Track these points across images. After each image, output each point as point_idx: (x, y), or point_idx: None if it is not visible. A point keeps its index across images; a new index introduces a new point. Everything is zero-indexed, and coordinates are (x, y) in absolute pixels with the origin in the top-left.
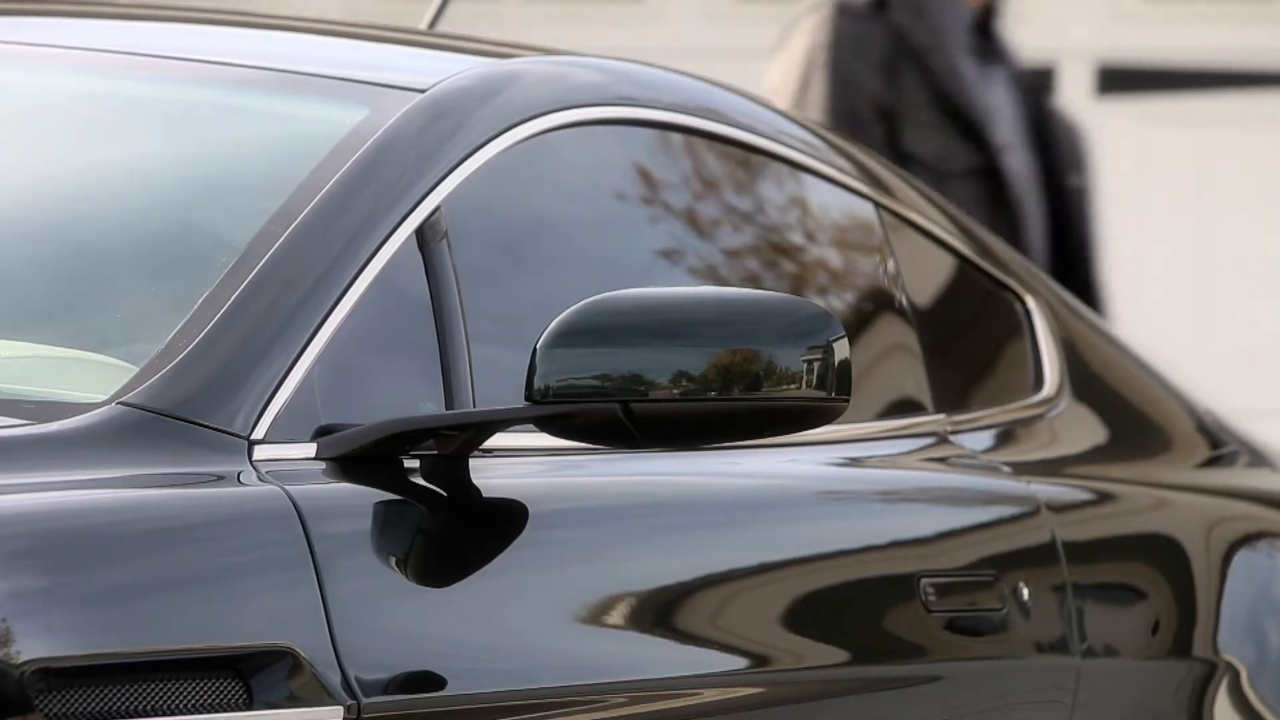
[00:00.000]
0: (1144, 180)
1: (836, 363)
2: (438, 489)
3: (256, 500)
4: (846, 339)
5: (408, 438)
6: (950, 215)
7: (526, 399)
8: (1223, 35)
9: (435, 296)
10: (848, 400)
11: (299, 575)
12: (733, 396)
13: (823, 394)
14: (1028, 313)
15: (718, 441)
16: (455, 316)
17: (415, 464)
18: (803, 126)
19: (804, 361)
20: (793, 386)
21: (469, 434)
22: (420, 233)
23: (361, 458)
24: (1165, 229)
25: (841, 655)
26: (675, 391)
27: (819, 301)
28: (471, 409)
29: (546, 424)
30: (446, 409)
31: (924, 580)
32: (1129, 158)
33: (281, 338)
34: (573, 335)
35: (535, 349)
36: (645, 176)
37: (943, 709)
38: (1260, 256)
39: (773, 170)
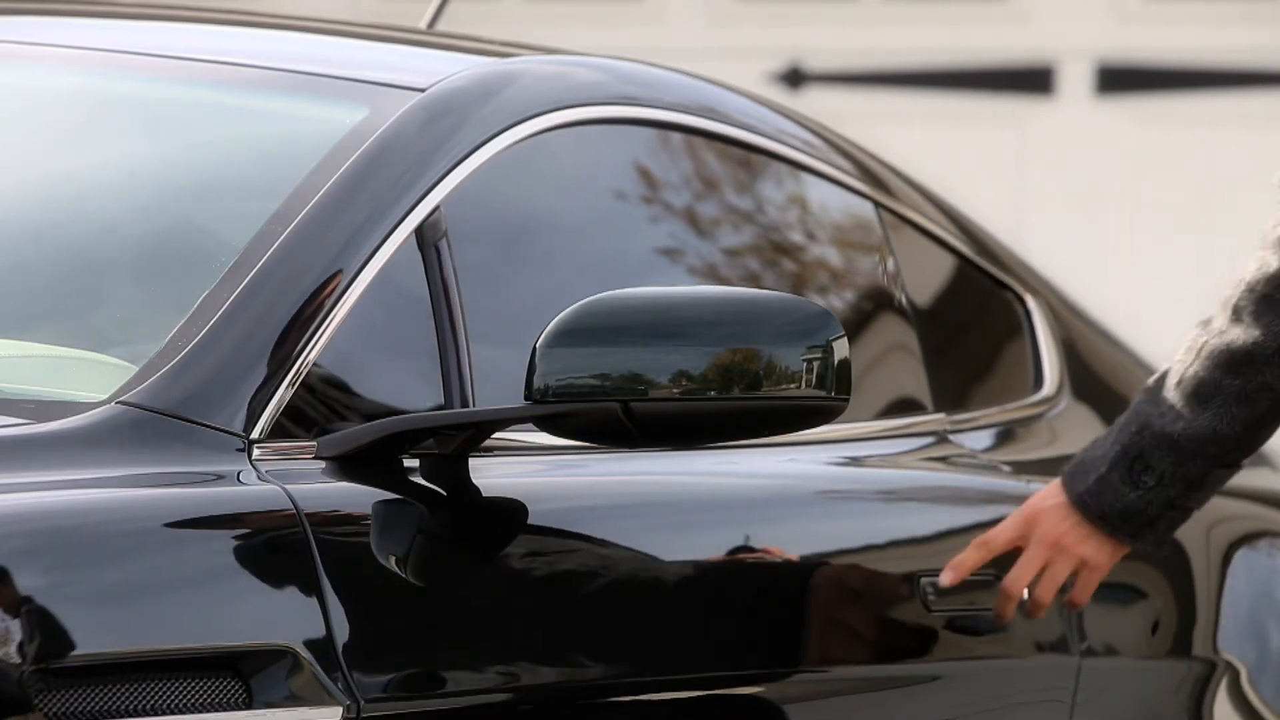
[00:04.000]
0: (1144, 180)
1: (836, 362)
2: (438, 489)
3: (256, 500)
4: (846, 338)
5: (407, 437)
6: (950, 215)
7: (526, 398)
8: (1223, 35)
9: (435, 296)
10: (847, 400)
11: (299, 575)
12: (732, 396)
13: (822, 393)
14: (1028, 313)
15: (717, 441)
16: (455, 316)
17: (415, 463)
18: (803, 126)
19: (804, 361)
20: (792, 386)
21: (469, 434)
22: (420, 232)
23: (361, 457)
24: (1166, 228)
25: (842, 654)
26: (675, 391)
27: (819, 301)
28: (471, 408)
29: (546, 423)
30: (446, 408)
31: (924, 580)
32: (1130, 157)
33: (281, 338)
34: (572, 335)
35: (535, 348)
36: (645, 176)
37: (943, 708)
38: None
39: (773, 170)
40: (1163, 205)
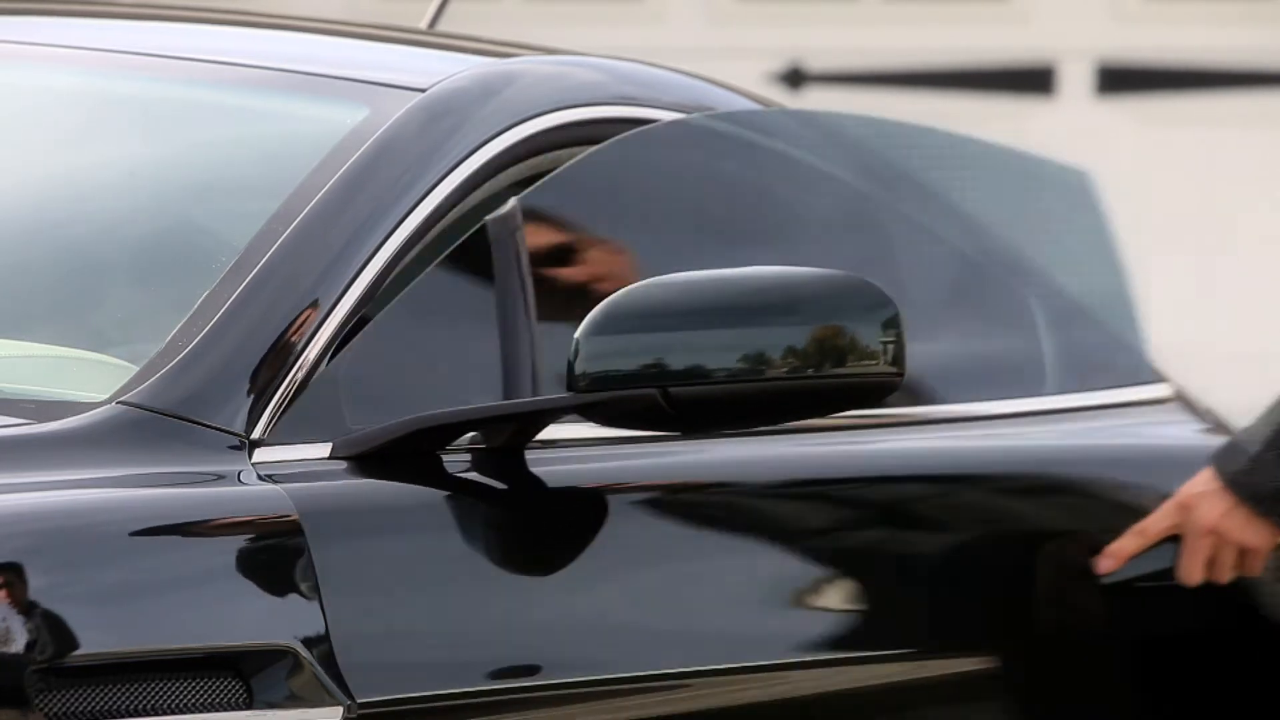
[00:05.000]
0: (1145, 180)
1: (885, 338)
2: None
3: (256, 500)
4: (897, 311)
5: (438, 433)
6: (951, 214)
7: (569, 388)
8: (1224, 35)
9: (506, 288)
10: (900, 375)
11: (298, 575)
12: (771, 377)
13: (874, 370)
14: (1028, 312)
15: (760, 424)
16: (526, 303)
17: (424, 461)
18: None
19: (853, 339)
20: (855, 363)
21: (516, 426)
22: (492, 224)
23: (377, 456)
24: (1166, 228)
25: (1008, 639)
26: (718, 374)
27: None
28: (509, 400)
29: (586, 413)
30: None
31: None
32: (1130, 158)
33: (281, 337)
34: (613, 321)
35: (576, 337)
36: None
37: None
38: (1262, 256)
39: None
40: (1163, 205)
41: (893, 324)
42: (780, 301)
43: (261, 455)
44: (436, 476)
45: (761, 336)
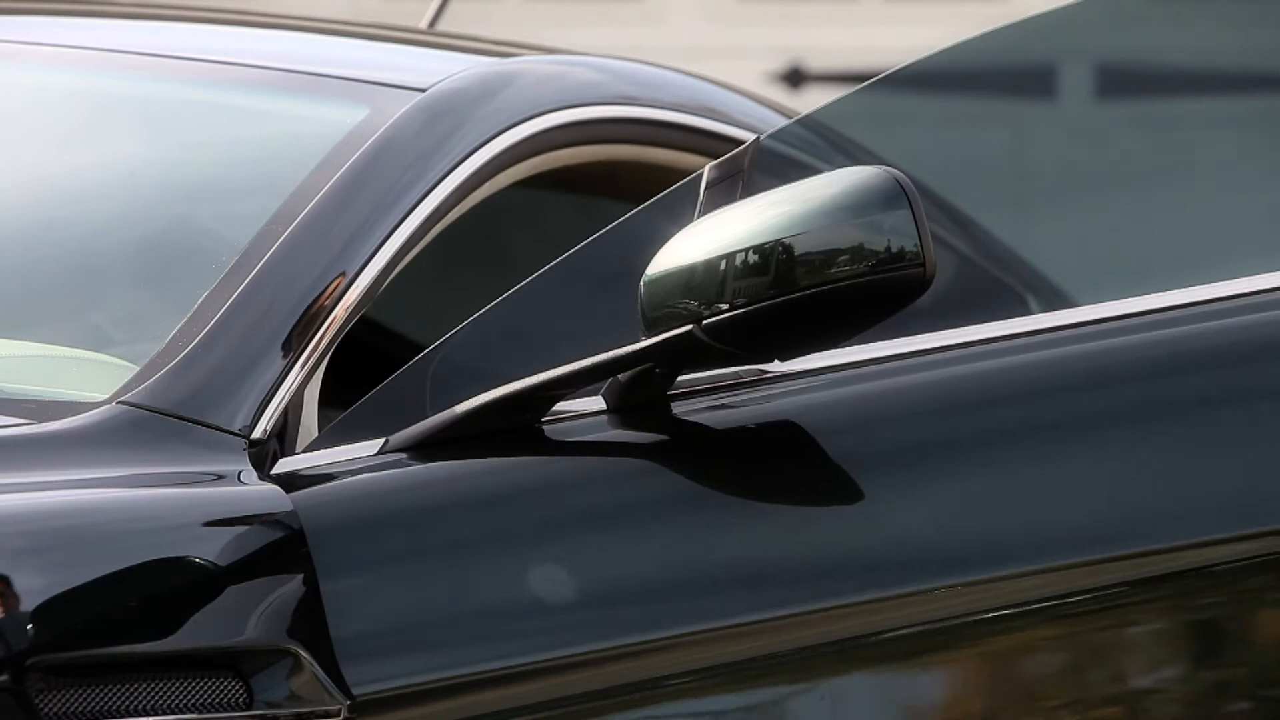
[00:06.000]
0: (1145, 181)
1: (906, 233)
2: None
3: (257, 500)
4: (909, 202)
5: (475, 420)
6: (950, 214)
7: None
8: (1225, 36)
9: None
10: (924, 268)
11: (299, 575)
12: (783, 292)
13: (902, 267)
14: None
15: (805, 344)
16: None
17: (465, 449)
18: (803, 126)
19: (868, 238)
20: (850, 264)
21: (643, 374)
22: (712, 169)
23: (430, 447)
24: (1166, 230)
25: None
26: (740, 300)
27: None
28: (588, 359)
29: (644, 359)
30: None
31: None
32: (1130, 159)
33: (281, 337)
34: (662, 263)
35: (640, 285)
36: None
37: None
38: (1262, 259)
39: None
40: (1163, 207)
41: (912, 216)
42: (793, 210)
43: (262, 455)
44: (460, 467)
45: (785, 250)
